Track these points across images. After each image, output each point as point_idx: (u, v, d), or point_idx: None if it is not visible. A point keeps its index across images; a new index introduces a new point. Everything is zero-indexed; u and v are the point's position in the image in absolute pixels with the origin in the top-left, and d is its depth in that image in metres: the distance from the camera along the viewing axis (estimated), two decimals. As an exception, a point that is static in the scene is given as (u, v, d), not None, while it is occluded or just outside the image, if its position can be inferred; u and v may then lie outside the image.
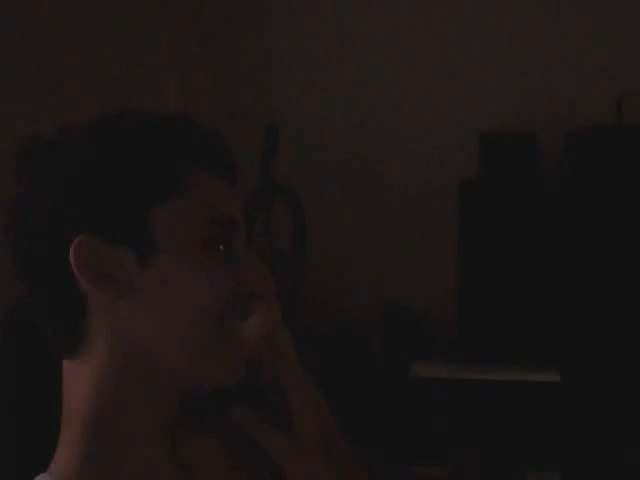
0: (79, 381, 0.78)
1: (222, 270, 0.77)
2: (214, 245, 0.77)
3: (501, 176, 3.01)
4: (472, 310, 3.03)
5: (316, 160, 3.30)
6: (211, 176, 0.80)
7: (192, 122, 0.82)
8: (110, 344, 0.76)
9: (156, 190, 0.76)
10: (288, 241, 2.95)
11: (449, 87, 3.19)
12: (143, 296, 0.76)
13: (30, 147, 0.81)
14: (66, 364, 0.79)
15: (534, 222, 2.95)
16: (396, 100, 3.24)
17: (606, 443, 2.78)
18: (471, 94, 3.17)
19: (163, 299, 0.76)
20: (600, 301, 2.86)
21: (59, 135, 0.81)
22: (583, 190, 2.89)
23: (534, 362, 2.87)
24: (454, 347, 3.07)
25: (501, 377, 2.87)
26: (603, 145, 2.90)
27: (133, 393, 0.77)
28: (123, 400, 0.77)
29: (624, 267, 2.86)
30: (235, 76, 3.34)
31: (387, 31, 3.21)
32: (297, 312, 2.96)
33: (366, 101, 3.27)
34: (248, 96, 3.32)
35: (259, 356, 0.83)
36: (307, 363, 0.89)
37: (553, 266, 2.91)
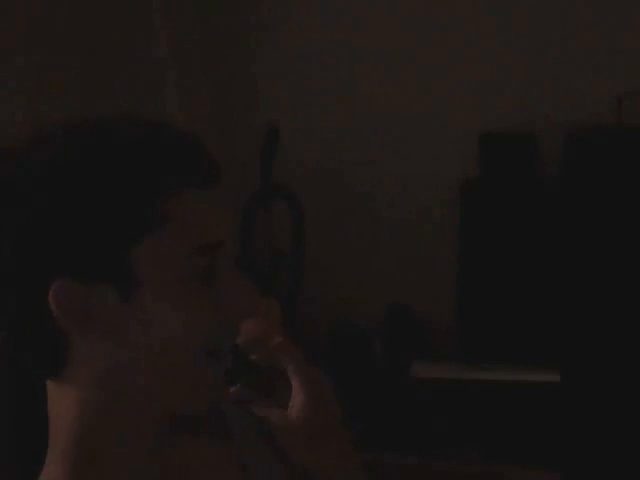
0: (64, 401, 0.77)
1: (204, 302, 0.74)
2: (197, 275, 0.74)
3: (501, 176, 3.01)
4: (472, 310, 3.03)
5: (316, 160, 3.29)
6: (194, 192, 0.74)
7: (166, 128, 0.75)
8: (91, 374, 0.75)
9: (138, 226, 0.70)
10: (288, 241, 2.95)
11: (449, 87, 3.19)
12: (122, 330, 0.73)
13: None
14: (50, 384, 0.78)
15: (534, 222, 2.95)
16: (396, 100, 3.23)
17: (606, 443, 2.77)
18: (471, 94, 3.17)
19: (143, 333, 0.73)
20: (600, 301, 2.86)
21: (16, 154, 0.72)
22: (583, 190, 2.89)
23: (534, 362, 2.87)
24: (454, 347, 3.06)
25: (501, 377, 2.86)
26: (603, 145, 2.89)
27: (115, 417, 0.77)
28: (106, 423, 0.77)
29: (624, 267, 2.85)
30: (235, 76, 3.34)
31: (387, 31, 3.21)
32: (297, 312, 2.96)
33: (366, 101, 3.26)
34: (248, 96, 3.32)
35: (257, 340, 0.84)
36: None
37: (553, 266, 2.91)
